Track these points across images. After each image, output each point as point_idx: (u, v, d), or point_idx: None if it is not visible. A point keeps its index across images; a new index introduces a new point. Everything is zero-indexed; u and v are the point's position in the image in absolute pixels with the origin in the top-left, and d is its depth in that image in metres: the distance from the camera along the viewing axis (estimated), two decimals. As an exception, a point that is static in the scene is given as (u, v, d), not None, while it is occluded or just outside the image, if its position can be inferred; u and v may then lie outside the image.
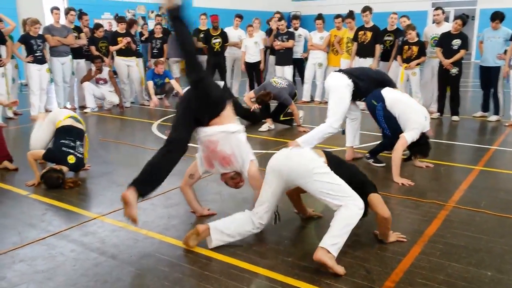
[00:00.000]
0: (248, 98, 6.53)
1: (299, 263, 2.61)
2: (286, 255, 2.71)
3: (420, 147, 4.20)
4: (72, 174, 4.24)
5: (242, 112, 6.58)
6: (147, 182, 2.85)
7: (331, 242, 2.47)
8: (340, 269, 2.44)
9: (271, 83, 6.39)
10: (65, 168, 4.05)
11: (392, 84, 4.63)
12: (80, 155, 4.21)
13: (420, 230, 3.02)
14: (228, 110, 2.97)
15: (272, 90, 6.16)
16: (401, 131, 4.14)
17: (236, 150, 2.93)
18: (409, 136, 4.07)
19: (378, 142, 4.88)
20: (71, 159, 4.11)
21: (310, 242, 2.93)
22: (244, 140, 3.01)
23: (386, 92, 4.35)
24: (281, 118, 6.49)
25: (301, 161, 2.72)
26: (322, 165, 2.69)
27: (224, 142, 2.91)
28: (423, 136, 4.18)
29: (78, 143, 4.24)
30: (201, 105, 2.89)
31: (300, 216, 3.27)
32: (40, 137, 4.41)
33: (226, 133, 2.90)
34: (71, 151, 4.13)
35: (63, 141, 4.16)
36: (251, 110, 6.36)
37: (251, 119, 6.64)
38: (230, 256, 2.70)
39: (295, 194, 3.13)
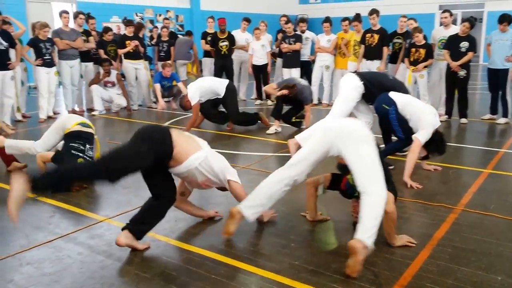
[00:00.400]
0: (270, 87, 6.51)
1: (306, 266, 2.60)
2: (292, 259, 2.69)
3: (435, 144, 4.14)
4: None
5: (241, 119, 6.55)
6: (140, 225, 2.82)
7: (368, 235, 2.45)
8: (359, 270, 2.42)
9: (295, 79, 6.45)
10: None
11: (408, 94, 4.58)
12: (89, 159, 4.23)
13: (428, 233, 2.99)
14: (179, 146, 2.66)
15: (297, 85, 6.17)
16: (413, 133, 4.12)
17: (210, 175, 2.86)
18: (421, 136, 4.03)
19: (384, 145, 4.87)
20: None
21: (316, 246, 2.91)
22: (214, 161, 2.86)
23: (394, 95, 4.35)
24: (293, 120, 6.47)
25: (359, 126, 2.83)
26: (374, 141, 2.75)
27: (194, 174, 2.82)
28: (437, 133, 4.13)
29: (87, 146, 4.26)
30: (147, 171, 2.73)
31: (307, 218, 3.25)
32: (45, 142, 4.44)
33: (191, 169, 2.77)
34: (80, 154, 4.16)
35: (72, 144, 4.19)
36: (278, 95, 6.20)
37: (251, 123, 6.62)
38: (236, 259, 2.70)
39: (312, 187, 3.12)
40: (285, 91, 6.06)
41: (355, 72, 4.71)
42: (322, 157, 2.88)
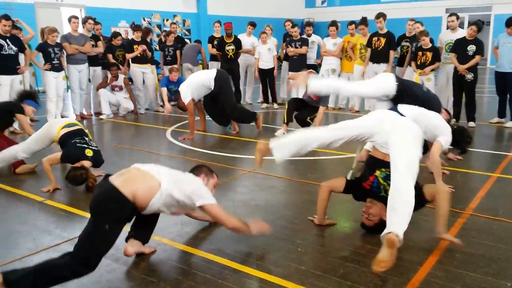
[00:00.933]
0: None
1: (313, 271, 2.58)
2: (299, 264, 2.68)
3: (459, 138, 3.99)
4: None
5: (237, 115, 6.55)
6: (141, 229, 2.84)
7: (403, 229, 2.47)
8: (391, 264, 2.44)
9: None
10: (86, 163, 4.11)
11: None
12: (95, 148, 4.30)
13: (437, 238, 2.97)
14: (137, 197, 2.49)
15: None
16: (425, 144, 3.95)
17: (177, 204, 2.69)
18: (443, 139, 3.80)
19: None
20: (89, 152, 4.19)
21: (323, 251, 2.90)
22: (176, 192, 2.59)
23: (403, 109, 4.07)
24: (307, 120, 6.40)
25: (415, 127, 2.95)
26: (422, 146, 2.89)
27: (162, 210, 2.69)
28: (453, 129, 3.96)
29: (87, 138, 4.35)
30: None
31: (314, 223, 3.24)
32: (29, 147, 4.51)
33: (157, 208, 2.64)
34: (85, 146, 4.22)
35: (75, 140, 4.24)
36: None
37: (246, 121, 6.62)
38: (243, 264, 2.69)
39: (327, 191, 3.11)
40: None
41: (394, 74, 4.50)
42: (362, 136, 2.98)
